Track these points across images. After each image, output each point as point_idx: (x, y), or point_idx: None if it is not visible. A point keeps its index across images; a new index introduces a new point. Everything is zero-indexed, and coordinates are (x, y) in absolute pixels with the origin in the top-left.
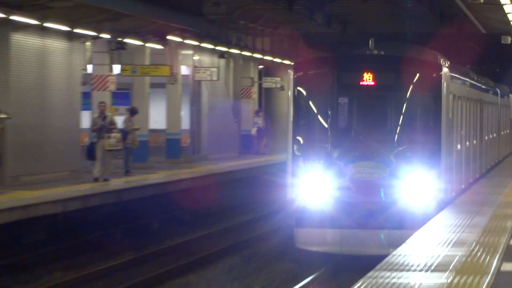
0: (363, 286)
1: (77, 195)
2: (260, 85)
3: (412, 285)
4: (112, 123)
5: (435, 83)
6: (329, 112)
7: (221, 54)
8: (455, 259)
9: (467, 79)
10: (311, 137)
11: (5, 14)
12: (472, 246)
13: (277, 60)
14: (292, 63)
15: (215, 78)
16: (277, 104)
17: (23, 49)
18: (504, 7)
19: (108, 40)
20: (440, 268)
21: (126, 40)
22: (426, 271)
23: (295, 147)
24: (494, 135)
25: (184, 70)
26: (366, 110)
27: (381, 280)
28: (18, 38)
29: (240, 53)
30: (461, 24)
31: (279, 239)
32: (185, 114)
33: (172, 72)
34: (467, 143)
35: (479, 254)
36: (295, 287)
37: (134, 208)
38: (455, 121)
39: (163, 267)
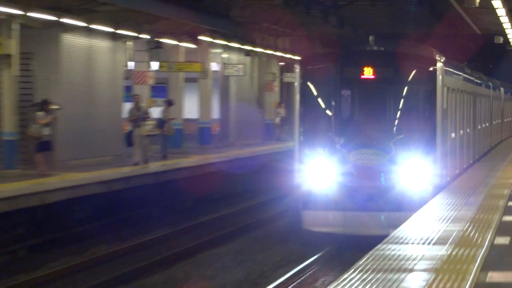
0: (372, 257)
1: (120, 177)
2: (281, 79)
3: (415, 256)
4: (146, 113)
5: (431, 77)
6: (333, 103)
7: (247, 52)
8: (453, 234)
9: (461, 73)
10: (316, 126)
11: (56, 17)
12: (468, 223)
13: (296, 57)
14: (299, 58)
15: (241, 73)
16: None
17: (72, 48)
18: (497, 10)
19: (147, 40)
20: (440, 241)
21: (163, 40)
22: (428, 244)
23: (302, 135)
24: (487, 124)
25: (214, 66)
26: (367, 102)
27: (387, 252)
28: (68, 39)
29: (264, 51)
30: (458, 25)
31: (288, 221)
32: (215, 105)
33: (204, 68)
34: (461, 131)
35: (474, 229)
36: (303, 264)
37: (169, 189)
38: (449, 111)
39: (194, 241)
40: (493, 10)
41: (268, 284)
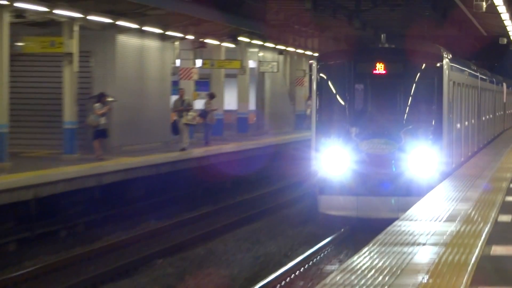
0: (389, 233)
1: (167, 161)
2: (310, 75)
3: (427, 232)
4: (189, 104)
5: (437, 72)
6: (347, 96)
7: (280, 51)
8: (461, 213)
9: (466, 69)
10: (332, 117)
11: (112, 20)
12: (475, 202)
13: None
14: (316, 55)
15: (275, 70)
16: None
17: (126, 47)
18: (502, 15)
19: (192, 40)
20: (450, 219)
21: (206, 40)
22: (439, 221)
23: (318, 126)
24: (490, 115)
25: (251, 63)
26: (379, 95)
27: (403, 228)
28: (122, 39)
29: (295, 51)
30: (467, 27)
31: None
32: (251, 98)
33: (242, 65)
34: (466, 122)
35: (480, 208)
36: (320, 244)
37: (211, 171)
38: (455, 104)
39: (233, 217)
40: (498, 14)
41: (298, 256)
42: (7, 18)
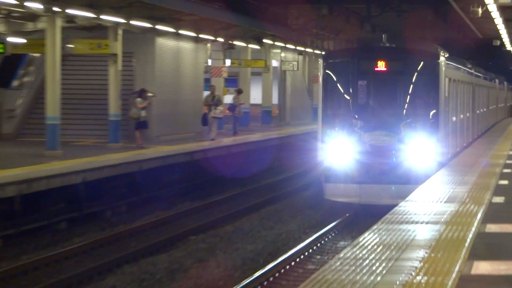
0: (396, 212)
1: (200, 149)
2: None
3: (430, 212)
4: (219, 100)
5: (434, 69)
6: (351, 91)
7: (300, 52)
8: (459, 195)
9: (461, 67)
10: (337, 111)
11: (152, 25)
12: (472, 186)
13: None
14: (323, 53)
15: (295, 68)
16: None
17: (164, 48)
18: (495, 20)
19: (222, 42)
20: (449, 200)
21: (235, 42)
22: (440, 202)
23: (324, 119)
24: (484, 109)
25: (274, 63)
26: (380, 90)
27: (408, 208)
28: (161, 41)
29: (313, 51)
30: (465, 31)
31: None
32: (274, 93)
33: (266, 64)
34: (461, 116)
35: (477, 191)
36: (328, 227)
37: (239, 158)
38: (451, 98)
39: (258, 199)
40: (492, 19)
41: (316, 233)
42: (59, 23)
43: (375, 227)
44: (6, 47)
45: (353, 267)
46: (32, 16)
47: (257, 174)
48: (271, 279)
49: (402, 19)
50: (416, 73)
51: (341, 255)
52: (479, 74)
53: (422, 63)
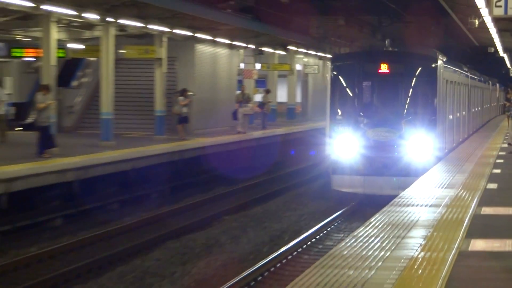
0: (403, 196)
1: (234, 141)
2: None
3: (432, 196)
4: (249, 97)
5: (433, 71)
6: (356, 91)
7: (320, 57)
8: (458, 182)
9: (458, 70)
10: (343, 109)
11: (192, 33)
12: (469, 174)
13: None
14: (331, 56)
15: (316, 72)
16: None
17: (203, 54)
18: (490, 30)
19: (253, 48)
20: (449, 186)
21: (263, 48)
22: (441, 188)
23: (332, 116)
24: (479, 108)
25: (298, 66)
26: (383, 90)
27: (412, 193)
28: (199, 47)
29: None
30: (463, 39)
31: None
32: (298, 93)
33: (291, 68)
34: (458, 114)
35: (474, 178)
36: (335, 214)
37: (267, 149)
38: (448, 98)
39: (284, 184)
40: (487, 29)
41: (328, 217)
42: (112, 31)
43: (384, 209)
44: (67, 52)
45: (366, 244)
46: (89, 25)
47: (283, 162)
48: (294, 253)
49: (408, 29)
50: (416, 75)
51: (355, 233)
52: (474, 77)
53: (421, 66)
